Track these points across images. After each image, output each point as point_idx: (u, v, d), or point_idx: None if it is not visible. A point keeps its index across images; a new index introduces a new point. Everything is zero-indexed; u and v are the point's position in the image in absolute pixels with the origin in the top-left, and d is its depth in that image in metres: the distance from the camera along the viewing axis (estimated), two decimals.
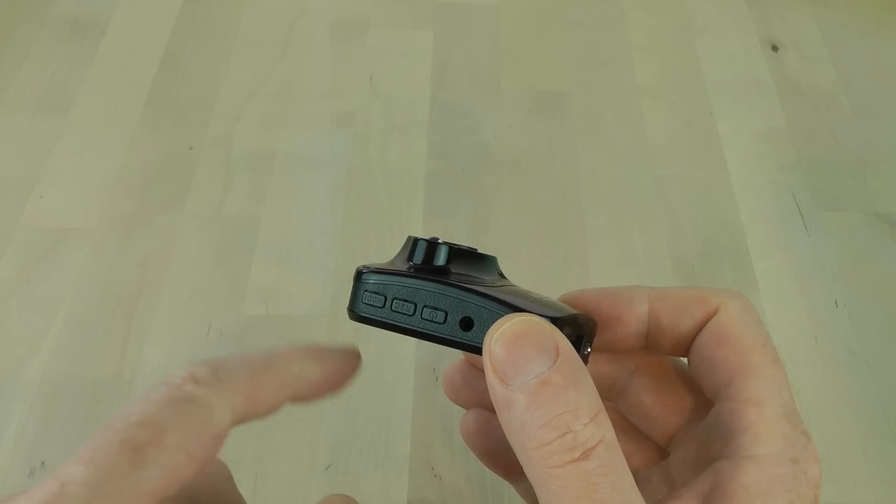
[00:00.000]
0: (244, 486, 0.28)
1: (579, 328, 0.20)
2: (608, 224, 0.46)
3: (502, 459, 0.25)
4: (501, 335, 0.18)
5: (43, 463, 0.37)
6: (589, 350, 0.21)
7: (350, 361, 0.22)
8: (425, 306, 0.20)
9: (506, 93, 0.53)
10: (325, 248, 0.44)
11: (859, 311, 0.42)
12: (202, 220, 0.46)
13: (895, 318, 0.42)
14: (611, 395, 0.25)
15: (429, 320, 0.20)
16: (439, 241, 0.21)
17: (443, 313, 0.20)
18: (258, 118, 0.51)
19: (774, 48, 0.55)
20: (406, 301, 0.21)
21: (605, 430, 0.17)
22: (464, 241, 0.45)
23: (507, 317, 0.19)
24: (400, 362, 0.40)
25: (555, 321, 0.19)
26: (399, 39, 0.56)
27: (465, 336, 0.20)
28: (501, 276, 0.23)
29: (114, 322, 0.41)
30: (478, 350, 0.19)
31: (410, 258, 0.22)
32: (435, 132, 0.50)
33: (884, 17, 0.58)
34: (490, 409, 0.25)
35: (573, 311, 0.21)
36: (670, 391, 0.24)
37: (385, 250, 0.44)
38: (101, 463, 0.16)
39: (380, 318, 0.21)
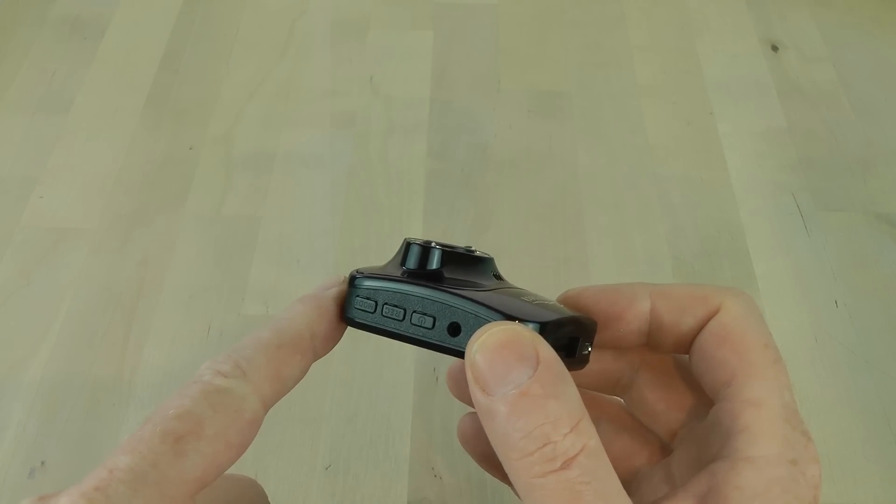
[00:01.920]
0: None
1: (575, 329, 0.20)
2: (608, 224, 0.46)
3: (501, 463, 0.25)
4: (482, 345, 0.18)
5: (43, 463, 0.37)
6: (589, 350, 0.21)
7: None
8: (414, 312, 0.20)
9: (506, 93, 0.53)
10: (325, 248, 0.44)
11: (859, 311, 0.42)
12: (202, 220, 0.46)
13: (895, 318, 0.42)
14: (616, 390, 0.25)
15: (418, 325, 0.20)
16: (433, 244, 0.21)
17: (431, 319, 0.20)
18: (258, 118, 0.51)
19: (774, 48, 0.55)
20: (396, 307, 0.21)
21: (586, 437, 0.17)
22: (464, 240, 0.45)
23: (486, 326, 0.18)
24: (400, 363, 0.40)
25: (542, 326, 0.19)
26: (399, 39, 0.56)
27: (452, 342, 0.20)
28: (498, 277, 0.23)
29: (114, 322, 0.41)
30: (464, 356, 0.19)
31: (403, 263, 0.22)
32: (435, 132, 0.50)
33: (884, 17, 0.58)
34: None
35: (569, 313, 0.20)
36: (673, 387, 0.24)
37: (385, 250, 0.44)
38: (144, 452, 0.16)
39: (371, 324, 0.21)
